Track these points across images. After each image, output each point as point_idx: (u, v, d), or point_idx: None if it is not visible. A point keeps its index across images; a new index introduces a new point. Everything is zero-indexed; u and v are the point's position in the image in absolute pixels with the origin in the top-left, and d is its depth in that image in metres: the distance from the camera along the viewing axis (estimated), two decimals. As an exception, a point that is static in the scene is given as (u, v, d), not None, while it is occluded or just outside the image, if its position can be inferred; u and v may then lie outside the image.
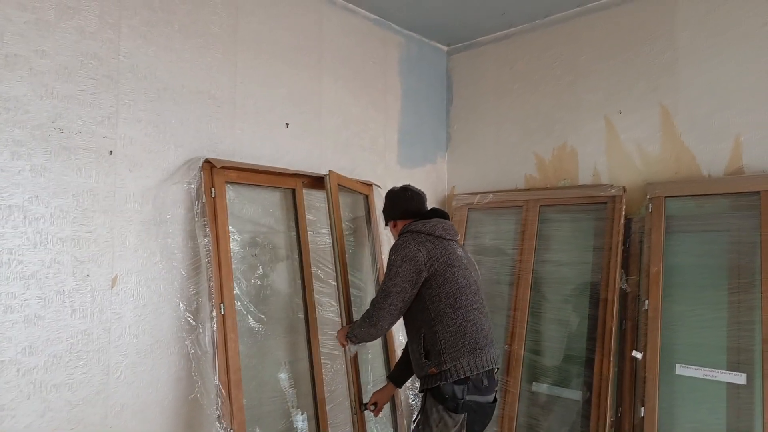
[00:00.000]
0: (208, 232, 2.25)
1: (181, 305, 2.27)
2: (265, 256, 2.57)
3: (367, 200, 3.09)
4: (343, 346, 2.42)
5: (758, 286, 2.46)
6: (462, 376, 2.07)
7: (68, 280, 1.98)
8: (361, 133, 3.20)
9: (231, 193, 2.43)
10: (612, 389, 2.72)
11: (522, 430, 2.98)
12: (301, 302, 2.65)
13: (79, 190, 2.02)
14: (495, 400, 2.21)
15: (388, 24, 3.37)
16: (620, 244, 2.84)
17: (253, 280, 2.49)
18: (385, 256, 3.09)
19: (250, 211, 2.54)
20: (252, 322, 2.46)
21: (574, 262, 3.04)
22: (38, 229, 1.92)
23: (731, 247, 2.60)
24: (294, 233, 2.66)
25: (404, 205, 2.39)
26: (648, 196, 2.81)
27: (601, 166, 3.11)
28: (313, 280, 2.68)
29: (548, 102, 3.33)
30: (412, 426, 2.24)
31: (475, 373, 2.08)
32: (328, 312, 2.75)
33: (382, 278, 2.90)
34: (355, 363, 2.53)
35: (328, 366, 2.70)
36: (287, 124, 2.77)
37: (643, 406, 2.61)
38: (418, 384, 2.24)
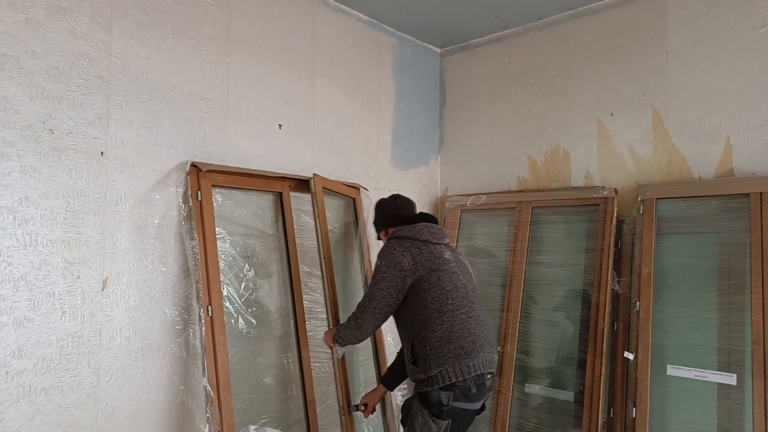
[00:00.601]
0: (195, 235, 2.24)
1: (171, 307, 2.25)
2: (255, 259, 2.56)
3: (355, 203, 3.08)
4: (331, 347, 2.43)
5: (748, 287, 2.48)
6: (448, 382, 2.05)
7: (58, 282, 1.96)
8: (355, 134, 3.20)
9: (219, 197, 2.42)
10: (604, 390, 2.73)
11: (514, 431, 2.99)
12: (290, 305, 2.64)
13: (69, 191, 2.00)
14: (483, 407, 2.19)
15: (382, 25, 3.37)
16: (612, 246, 2.85)
17: (243, 283, 2.48)
18: (374, 259, 3.09)
19: (241, 214, 2.53)
20: (242, 325, 2.45)
21: (567, 263, 3.05)
22: (28, 230, 1.90)
23: (721, 249, 2.62)
24: (283, 236, 2.66)
25: (394, 212, 2.41)
26: (639, 198, 2.83)
27: (593, 168, 3.13)
28: (303, 283, 2.67)
29: (541, 104, 3.34)
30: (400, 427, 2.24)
31: (461, 378, 2.05)
32: (318, 314, 2.74)
33: (370, 279, 2.91)
34: (342, 364, 2.54)
35: (318, 368, 2.69)
36: (280, 126, 2.77)
37: (635, 406, 2.62)
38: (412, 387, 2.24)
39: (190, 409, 2.26)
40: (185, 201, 2.29)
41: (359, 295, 3.00)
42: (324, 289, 2.61)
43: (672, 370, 2.62)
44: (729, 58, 2.70)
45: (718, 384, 2.50)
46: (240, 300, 2.45)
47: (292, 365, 2.62)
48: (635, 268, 2.79)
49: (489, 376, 2.16)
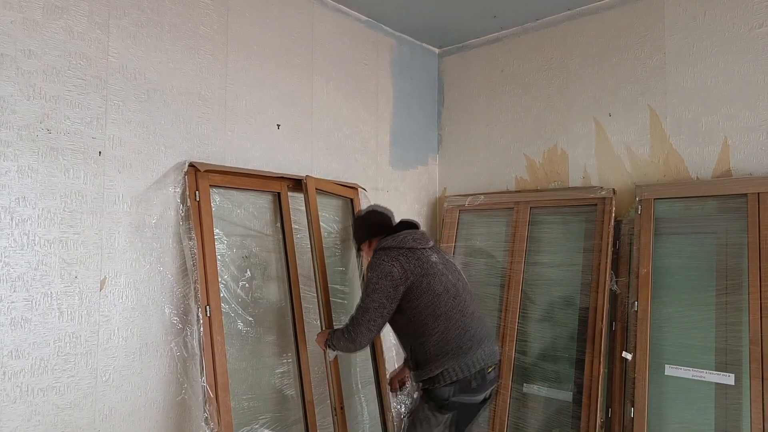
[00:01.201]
0: (193, 235, 2.24)
1: (169, 308, 2.25)
2: (254, 260, 2.55)
3: (353, 204, 3.08)
4: (323, 350, 2.46)
5: (745, 287, 2.48)
6: (450, 381, 2.11)
7: (56, 282, 1.96)
8: (353, 134, 3.20)
9: (217, 197, 2.42)
10: (602, 390, 2.73)
11: (512, 431, 2.99)
12: (288, 305, 2.64)
13: (67, 191, 2.00)
14: (486, 399, 2.24)
15: (380, 26, 3.37)
16: (610, 246, 2.85)
17: (241, 283, 2.48)
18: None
19: (239, 215, 2.53)
20: (240, 325, 2.44)
21: (565, 263, 3.05)
22: (25, 230, 1.89)
23: (719, 249, 2.62)
24: (281, 237, 2.66)
25: (373, 222, 2.43)
26: (637, 198, 2.83)
27: (591, 168, 3.13)
28: (301, 283, 2.67)
29: (539, 104, 3.35)
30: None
31: (464, 375, 2.11)
32: (316, 315, 2.74)
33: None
34: (335, 365, 2.56)
35: (316, 368, 2.69)
36: (278, 126, 2.76)
37: (633, 406, 2.62)
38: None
39: (189, 409, 2.26)
40: (183, 201, 2.29)
41: (356, 295, 3.00)
42: (317, 290, 2.62)
43: (670, 370, 2.62)
44: (726, 58, 2.70)
45: (716, 384, 2.51)
46: (238, 300, 2.45)
47: (290, 365, 2.62)
48: (633, 269, 2.80)
49: (491, 369, 2.20)
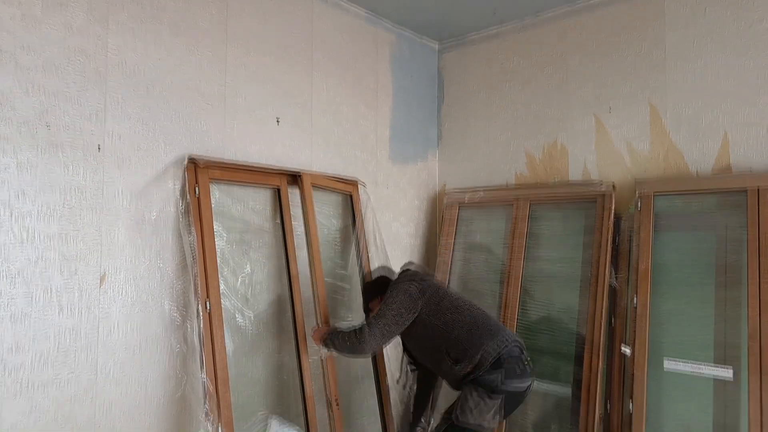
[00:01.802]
0: (192, 230, 2.24)
1: (169, 303, 2.25)
2: (253, 255, 2.56)
3: (352, 199, 3.08)
4: (318, 346, 2.50)
5: (744, 282, 2.48)
6: (493, 359, 2.21)
7: (55, 278, 1.96)
8: (352, 130, 3.20)
9: (217, 192, 2.42)
10: (601, 385, 2.74)
11: (511, 426, 3.00)
12: (288, 300, 2.64)
13: (66, 186, 2.00)
14: (530, 386, 2.33)
15: (380, 21, 3.37)
16: (610, 242, 2.86)
17: (241, 278, 2.48)
18: (372, 255, 3.10)
19: (239, 209, 2.53)
20: (240, 320, 2.45)
21: (564, 259, 3.05)
22: (25, 225, 1.90)
23: (718, 245, 2.62)
24: (281, 232, 2.66)
25: (382, 282, 2.61)
26: (637, 194, 2.83)
27: (590, 163, 3.13)
28: (301, 278, 2.68)
29: (539, 100, 3.34)
30: (454, 414, 2.29)
31: (502, 349, 2.23)
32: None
33: (368, 276, 2.94)
34: (331, 359, 2.59)
35: (316, 362, 2.69)
36: (278, 120, 2.76)
37: (632, 401, 2.63)
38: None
39: (189, 404, 2.26)
40: (182, 196, 2.29)
41: (356, 291, 3.00)
42: (312, 286, 2.63)
43: (669, 365, 2.63)
44: (726, 54, 2.69)
45: (715, 379, 2.51)
46: (238, 295, 2.45)
47: (290, 360, 2.63)
48: (633, 264, 2.80)
49: (528, 360, 2.33)
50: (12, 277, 1.86)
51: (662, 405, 2.63)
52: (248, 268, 2.52)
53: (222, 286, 2.35)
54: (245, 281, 2.50)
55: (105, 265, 2.10)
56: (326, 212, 2.94)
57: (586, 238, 3.00)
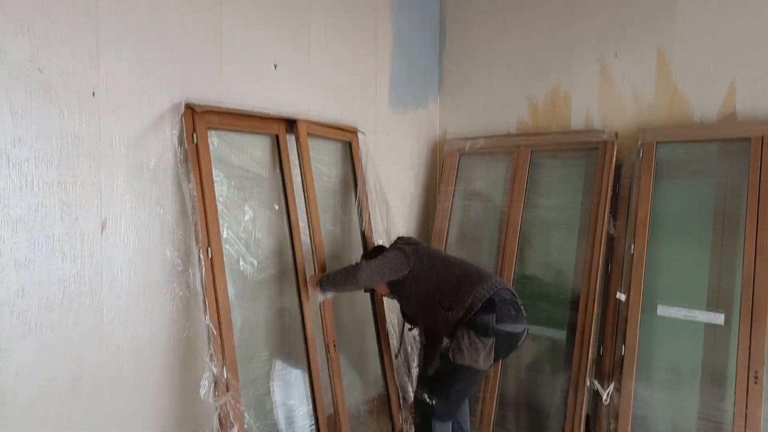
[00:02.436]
0: (192, 177, 2.23)
1: (170, 250, 2.27)
2: (253, 202, 2.56)
3: (351, 147, 3.05)
4: (315, 291, 2.59)
5: (742, 230, 2.50)
6: (484, 302, 2.26)
7: (57, 225, 1.97)
8: (352, 75, 3.12)
9: (215, 139, 2.39)
10: (595, 329, 2.81)
11: (506, 367, 3.10)
12: (289, 246, 2.67)
13: (62, 132, 1.97)
14: (525, 331, 2.38)
15: (380, -41, 3.22)
16: (610, 190, 2.85)
17: (242, 225, 2.50)
18: (371, 204, 3.10)
19: (238, 157, 2.51)
20: (242, 266, 2.48)
21: (564, 207, 3.06)
22: (23, 172, 1.88)
23: (718, 193, 2.63)
24: (280, 178, 2.65)
25: (382, 247, 2.76)
26: (639, 142, 2.81)
27: (593, 110, 3.08)
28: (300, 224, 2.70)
29: (543, 44, 3.25)
30: (446, 356, 2.36)
31: (493, 292, 2.28)
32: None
33: (368, 227, 2.97)
34: (329, 304, 2.65)
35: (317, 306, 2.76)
36: (275, 65, 2.69)
37: (624, 344, 2.70)
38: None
39: (194, 347, 2.33)
40: (180, 143, 2.27)
41: (354, 241, 3.03)
42: (310, 235, 2.65)
43: (662, 310, 2.69)
44: (739, -5, 2.60)
45: (706, 324, 2.58)
46: (240, 242, 2.47)
47: (292, 305, 2.68)
48: (632, 212, 2.81)
49: (520, 302, 2.39)
50: (13, 224, 1.87)
51: (653, 348, 2.70)
52: (249, 215, 2.53)
53: (224, 233, 2.36)
54: (247, 228, 2.52)
55: (105, 213, 2.10)
56: (326, 160, 2.92)
57: (586, 186, 2.99)
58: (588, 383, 2.75)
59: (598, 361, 2.85)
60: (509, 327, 2.29)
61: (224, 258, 2.31)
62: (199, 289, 2.27)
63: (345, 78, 3.08)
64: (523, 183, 3.18)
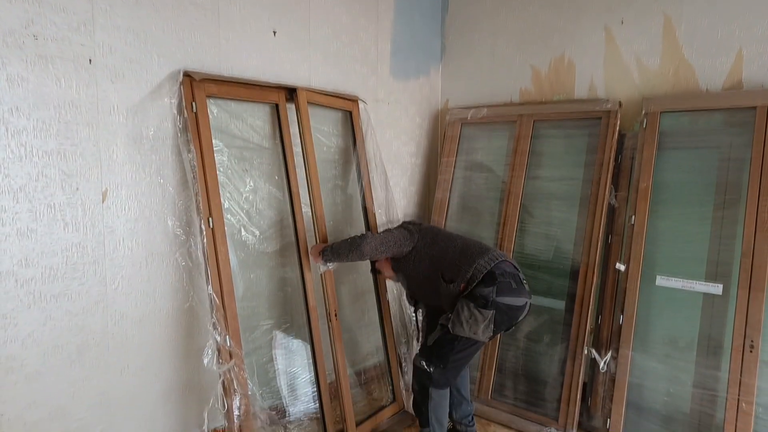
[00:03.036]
0: (192, 147, 2.22)
1: (172, 219, 2.28)
2: (254, 172, 2.55)
3: (351, 117, 3.02)
4: (316, 262, 2.59)
5: (743, 201, 2.50)
6: (485, 273, 2.29)
7: (58, 194, 1.97)
8: (352, 43, 3.07)
9: (215, 108, 2.37)
10: (594, 299, 2.83)
11: (506, 337, 3.14)
12: (290, 216, 2.67)
13: (60, 101, 1.95)
14: (527, 305, 2.39)
15: None
16: (612, 160, 2.84)
17: (243, 195, 2.50)
18: (372, 174, 3.09)
19: (238, 126, 2.49)
20: (244, 235, 2.49)
21: (565, 177, 3.05)
22: (21, 141, 1.87)
23: (720, 164, 2.61)
24: (280, 148, 2.64)
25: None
26: (643, 112, 2.78)
27: (598, 79, 3.04)
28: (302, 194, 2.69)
29: (547, 11, 3.18)
30: (445, 326, 2.37)
31: (493, 264, 2.31)
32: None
33: (368, 195, 2.96)
34: (330, 274, 2.67)
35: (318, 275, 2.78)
36: (275, 33, 2.65)
37: (623, 314, 2.73)
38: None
39: (197, 315, 2.36)
40: (180, 112, 2.25)
41: (356, 211, 3.03)
42: (311, 205, 2.65)
43: (661, 281, 2.70)
44: (751, -41, 2.53)
45: (704, 294, 2.60)
46: (241, 212, 2.48)
47: (293, 274, 2.70)
48: (633, 183, 2.80)
49: (522, 277, 2.40)
50: (14, 193, 1.87)
51: (651, 318, 2.73)
52: (250, 185, 2.53)
53: (225, 203, 2.36)
54: (248, 198, 2.52)
55: (106, 182, 2.10)
56: (326, 130, 2.90)
57: (588, 156, 2.98)
58: (586, 352, 2.79)
59: (596, 330, 2.89)
60: (509, 300, 2.30)
61: (226, 228, 2.32)
62: (201, 259, 2.28)
63: (345, 46, 3.03)
64: (524, 153, 3.16)
